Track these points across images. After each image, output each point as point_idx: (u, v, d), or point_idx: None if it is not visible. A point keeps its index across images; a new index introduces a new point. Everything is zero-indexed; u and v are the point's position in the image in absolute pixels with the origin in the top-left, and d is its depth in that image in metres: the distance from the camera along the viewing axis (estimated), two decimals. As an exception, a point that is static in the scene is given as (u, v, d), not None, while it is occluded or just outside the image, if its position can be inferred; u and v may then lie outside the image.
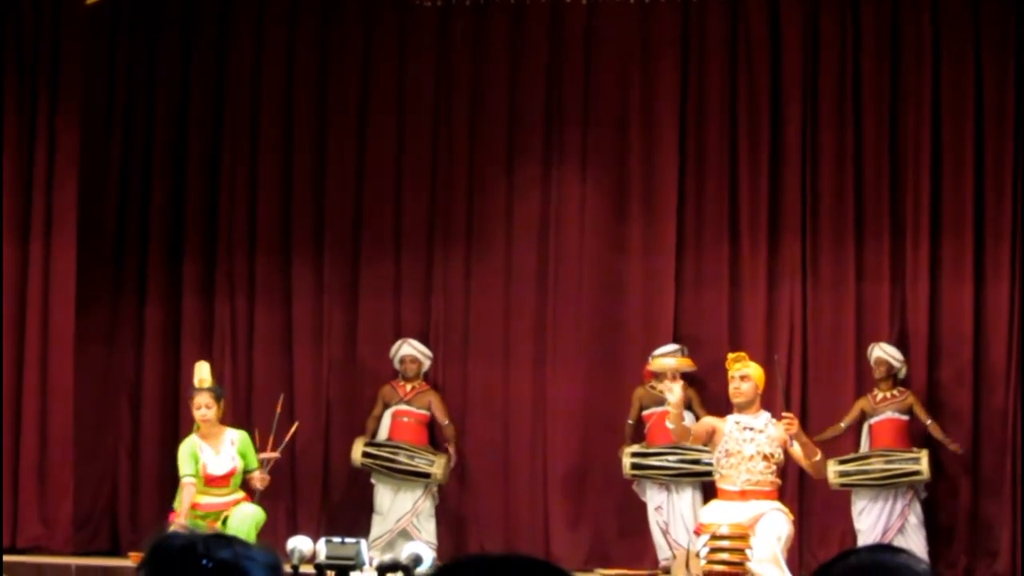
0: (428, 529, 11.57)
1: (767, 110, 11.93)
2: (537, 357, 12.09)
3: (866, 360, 11.51)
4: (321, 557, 7.45)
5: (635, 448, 11.51)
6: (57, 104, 11.80)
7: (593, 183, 12.16)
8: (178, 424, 11.76)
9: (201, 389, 10.34)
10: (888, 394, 11.41)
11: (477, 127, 12.27)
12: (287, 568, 7.35)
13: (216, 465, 10.21)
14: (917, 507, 11.25)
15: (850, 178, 11.80)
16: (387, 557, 8.52)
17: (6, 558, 10.78)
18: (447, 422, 11.81)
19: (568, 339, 12.06)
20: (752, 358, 9.45)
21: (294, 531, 10.16)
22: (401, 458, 11.55)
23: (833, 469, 11.00)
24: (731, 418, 9.21)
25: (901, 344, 11.57)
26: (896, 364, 11.41)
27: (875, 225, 11.78)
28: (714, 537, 8.83)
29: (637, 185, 12.08)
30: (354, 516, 11.72)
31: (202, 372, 10.44)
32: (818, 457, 9.23)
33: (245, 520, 10.08)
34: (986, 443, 11.52)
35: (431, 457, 11.57)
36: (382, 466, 11.57)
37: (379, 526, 11.60)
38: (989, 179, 11.63)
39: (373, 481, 11.69)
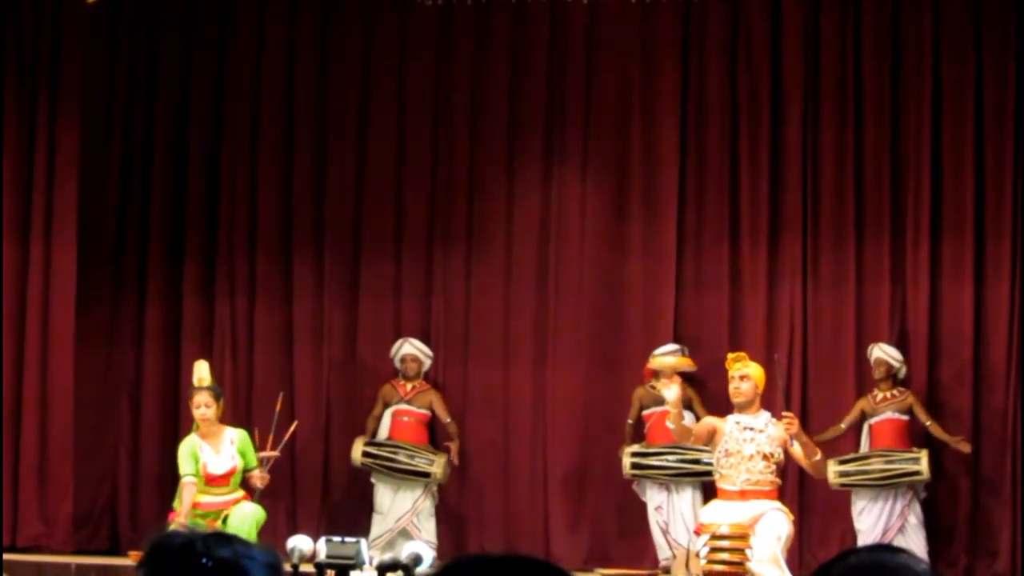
0: (428, 528, 11.56)
1: (767, 110, 11.92)
2: (537, 357, 12.09)
3: (866, 360, 11.51)
4: (321, 556, 7.43)
5: (635, 448, 11.50)
6: (57, 104, 11.80)
7: (593, 183, 12.15)
8: (178, 424, 11.75)
9: (200, 388, 10.34)
10: (888, 394, 11.40)
11: (478, 127, 12.27)
12: (287, 567, 7.34)
13: (216, 464, 10.21)
14: (917, 507, 11.24)
15: (850, 178, 11.79)
16: (387, 556, 8.52)
17: (6, 557, 10.77)
18: (449, 420, 11.81)
19: (568, 339, 12.06)
20: (752, 358, 9.44)
21: (294, 530, 10.13)
22: (401, 457, 11.55)
23: (833, 469, 10.99)
24: (731, 418, 9.20)
25: (901, 344, 11.56)
26: (895, 364, 11.41)
27: (875, 225, 11.77)
28: (714, 537, 8.83)
29: (637, 185, 12.08)
30: (354, 515, 11.72)
31: (201, 371, 10.44)
32: (818, 457, 9.23)
33: (245, 519, 10.08)
34: (986, 443, 11.51)
35: (431, 457, 11.57)
36: (382, 465, 11.57)
37: (379, 525, 11.60)
38: (989, 179, 11.63)
39: (373, 480, 11.69)
